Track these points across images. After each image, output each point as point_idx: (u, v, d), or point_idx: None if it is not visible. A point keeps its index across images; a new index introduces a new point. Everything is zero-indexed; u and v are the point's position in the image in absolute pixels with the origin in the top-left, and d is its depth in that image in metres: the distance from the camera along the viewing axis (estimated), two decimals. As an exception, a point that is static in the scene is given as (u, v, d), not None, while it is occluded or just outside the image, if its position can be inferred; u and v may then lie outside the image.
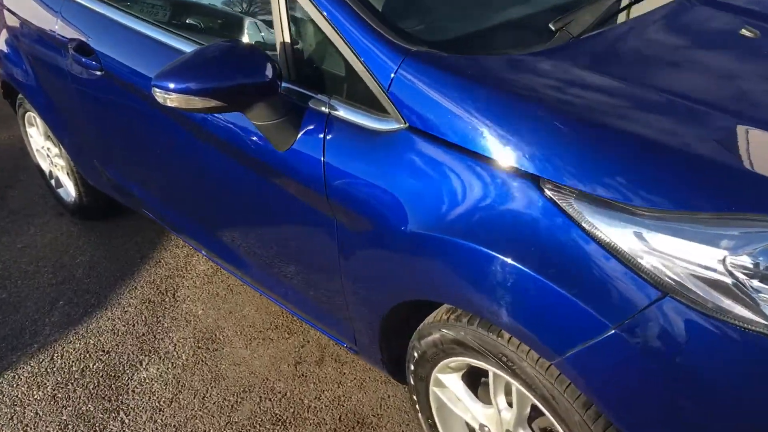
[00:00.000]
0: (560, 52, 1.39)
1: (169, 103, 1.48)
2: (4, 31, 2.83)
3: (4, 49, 2.83)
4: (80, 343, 2.42)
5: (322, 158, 1.47)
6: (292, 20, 1.53)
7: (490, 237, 1.20)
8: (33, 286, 2.77)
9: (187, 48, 1.82)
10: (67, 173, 3.04)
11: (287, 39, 1.55)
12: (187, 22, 1.94)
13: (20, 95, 2.95)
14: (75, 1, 2.23)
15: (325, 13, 1.44)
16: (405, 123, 1.34)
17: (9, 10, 2.67)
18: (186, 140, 1.93)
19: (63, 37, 2.27)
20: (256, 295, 2.54)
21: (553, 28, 1.44)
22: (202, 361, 2.28)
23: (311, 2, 1.45)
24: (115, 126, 2.26)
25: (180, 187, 2.15)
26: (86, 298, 2.66)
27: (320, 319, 1.86)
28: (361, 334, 1.69)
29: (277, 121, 1.51)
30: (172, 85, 1.45)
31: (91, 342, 2.42)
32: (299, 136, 1.52)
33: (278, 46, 1.58)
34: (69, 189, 3.09)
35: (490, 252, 1.20)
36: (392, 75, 1.34)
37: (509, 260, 1.18)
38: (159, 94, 1.47)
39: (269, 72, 1.46)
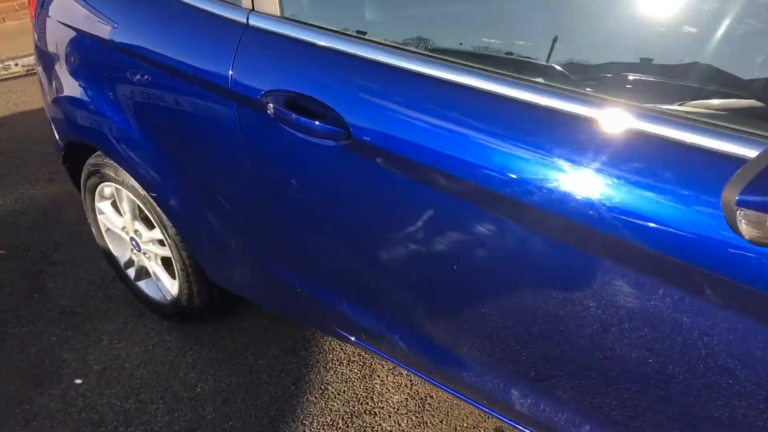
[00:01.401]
0: None
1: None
2: (81, 69, 1.96)
3: (83, 96, 1.96)
4: None
5: None
6: None
7: None
8: (147, 438, 1.89)
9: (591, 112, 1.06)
10: (161, 264, 2.19)
11: None
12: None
13: (95, 161, 2.07)
14: (285, 36, 1.41)
15: None
16: None
17: (99, 41, 1.81)
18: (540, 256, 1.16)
19: (244, 86, 1.45)
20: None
21: None
22: None
23: None
24: (345, 216, 1.45)
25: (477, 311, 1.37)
26: (240, 457, 1.81)
27: None
28: None
29: None
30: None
31: None
32: None
33: None
34: (165, 284, 2.23)
35: None
36: None
37: None
38: (753, 227, 0.71)
39: None
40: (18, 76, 4.99)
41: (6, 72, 4.99)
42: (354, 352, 2.09)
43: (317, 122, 1.34)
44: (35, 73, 5.16)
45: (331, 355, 2.10)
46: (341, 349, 2.11)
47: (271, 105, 1.40)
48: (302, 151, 1.40)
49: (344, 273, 1.55)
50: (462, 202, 1.19)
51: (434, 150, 1.19)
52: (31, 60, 5.07)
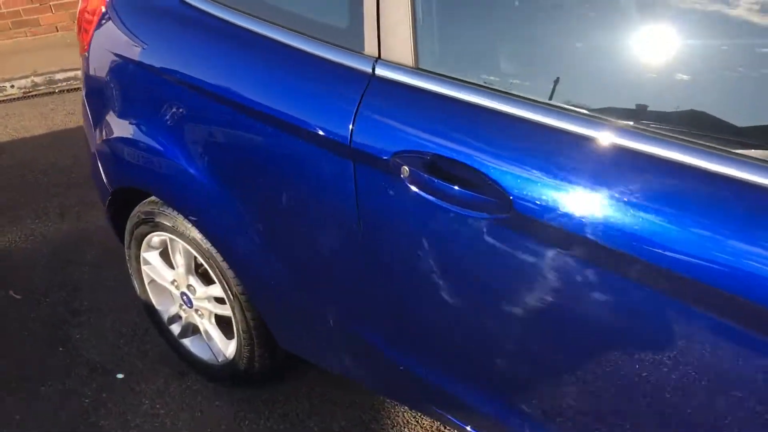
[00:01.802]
0: None
1: None
2: (145, 110, 1.77)
3: (144, 139, 1.77)
4: None
5: None
6: None
7: None
8: None
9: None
10: (214, 322, 1.98)
11: None
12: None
13: (149, 208, 1.87)
14: (423, 90, 1.25)
15: None
16: None
17: (171, 80, 1.64)
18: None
19: (368, 144, 1.29)
20: None
21: None
22: None
23: None
24: (490, 295, 1.28)
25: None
26: None
27: None
28: None
29: None
30: None
31: None
32: None
33: None
34: (218, 344, 2.02)
35: None
36: None
37: None
38: None
39: None
40: (14, 99, 4.74)
41: (1, 94, 4.73)
42: (433, 426, 1.90)
43: (472, 192, 1.17)
44: (33, 95, 4.90)
45: (406, 430, 1.91)
46: (416, 421, 1.92)
47: (406, 168, 1.24)
48: (443, 220, 1.24)
49: (475, 357, 1.38)
50: (660, 296, 1.03)
51: (621, 230, 1.03)
52: (29, 82, 4.82)
